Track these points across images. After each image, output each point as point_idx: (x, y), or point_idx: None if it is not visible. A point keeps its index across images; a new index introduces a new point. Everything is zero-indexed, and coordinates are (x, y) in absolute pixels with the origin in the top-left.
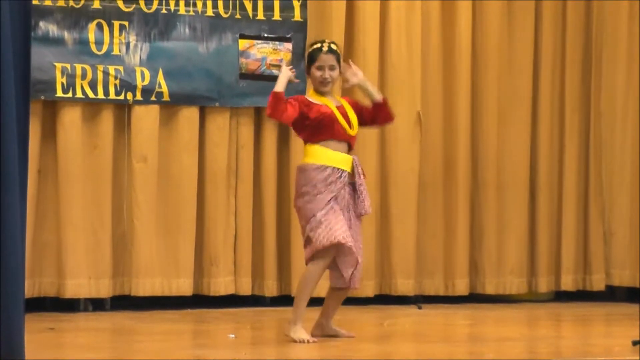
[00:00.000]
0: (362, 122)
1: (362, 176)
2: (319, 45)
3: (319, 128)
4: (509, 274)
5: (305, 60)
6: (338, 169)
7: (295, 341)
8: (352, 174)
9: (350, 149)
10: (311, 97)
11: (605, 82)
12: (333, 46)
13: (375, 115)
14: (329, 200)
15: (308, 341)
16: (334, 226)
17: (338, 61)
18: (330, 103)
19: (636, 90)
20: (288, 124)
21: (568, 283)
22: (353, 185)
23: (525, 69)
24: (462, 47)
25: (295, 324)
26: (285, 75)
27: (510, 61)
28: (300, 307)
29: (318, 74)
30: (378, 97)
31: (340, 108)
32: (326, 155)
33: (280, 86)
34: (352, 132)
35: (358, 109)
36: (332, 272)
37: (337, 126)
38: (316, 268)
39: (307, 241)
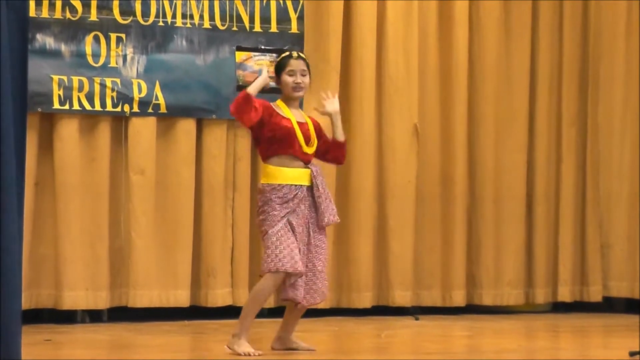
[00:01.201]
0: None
1: (320, 188)
2: (287, 53)
3: (275, 142)
4: (506, 286)
5: (274, 71)
6: (295, 185)
7: (239, 355)
8: (311, 187)
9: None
10: (278, 106)
11: (602, 95)
12: (302, 54)
13: (330, 150)
14: (283, 217)
15: (253, 354)
16: (282, 251)
17: (308, 68)
18: (294, 118)
19: (635, 103)
20: (246, 126)
21: (565, 294)
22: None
23: (522, 82)
24: (459, 60)
25: (240, 337)
26: (263, 79)
27: (507, 74)
28: (247, 320)
29: (290, 79)
30: (342, 136)
31: (303, 125)
32: (281, 174)
33: (253, 89)
34: (309, 151)
35: (318, 132)
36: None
37: (295, 143)
38: (267, 284)
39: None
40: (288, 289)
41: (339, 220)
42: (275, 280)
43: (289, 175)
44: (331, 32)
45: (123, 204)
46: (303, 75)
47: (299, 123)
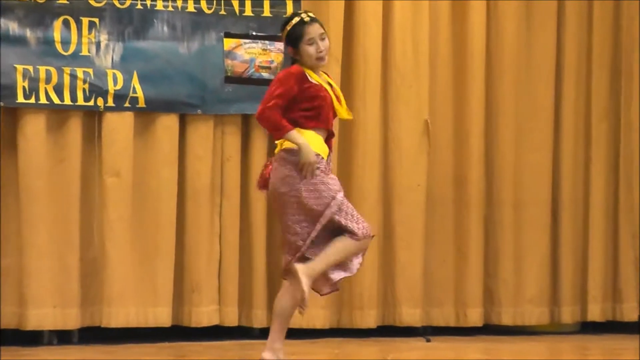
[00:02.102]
0: None
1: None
2: (297, 18)
3: (315, 115)
4: (528, 303)
5: (286, 41)
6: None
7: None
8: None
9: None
10: (309, 74)
11: (636, 87)
12: (311, 14)
13: None
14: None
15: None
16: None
17: (323, 28)
18: (326, 84)
19: None
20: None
21: (596, 313)
22: None
23: (546, 74)
24: (474, 49)
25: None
26: (310, 159)
27: (529, 65)
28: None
29: (312, 49)
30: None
31: (332, 89)
32: (321, 145)
33: (296, 139)
34: (345, 115)
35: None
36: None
37: (331, 114)
38: (358, 245)
39: (343, 227)
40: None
41: None
42: (366, 245)
43: (324, 149)
44: (331, 17)
45: (96, 210)
46: (322, 40)
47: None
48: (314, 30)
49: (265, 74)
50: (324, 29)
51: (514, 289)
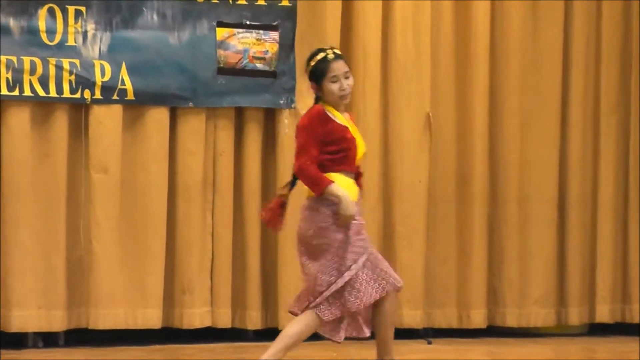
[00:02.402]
0: None
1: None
2: (322, 54)
3: (342, 158)
4: (533, 304)
5: (309, 76)
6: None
7: None
8: None
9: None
10: (331, 112)
11: None
12: (337, 51)
13: None
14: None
15: None
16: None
17: (348, 65)
18: (350, 125)
19: None
20: None
21: (604, 314)
22: None
23: (553, 64)
24: (478, 41)
25: None
26: (351, 212)
27: (535, 56)
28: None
29: (335, 87)
30: None
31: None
32: (353, 189)
33: (336, 192)
34: (360, 158)
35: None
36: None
37: (355, 155)
38: None
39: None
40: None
41: None
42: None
43: (354, 190)
44: (328, 6)
45: (83, 208)
46: (347, 78)
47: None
48: (338, 67)
49: (259, 65)
50: (349, 67)
51: (519, 290)
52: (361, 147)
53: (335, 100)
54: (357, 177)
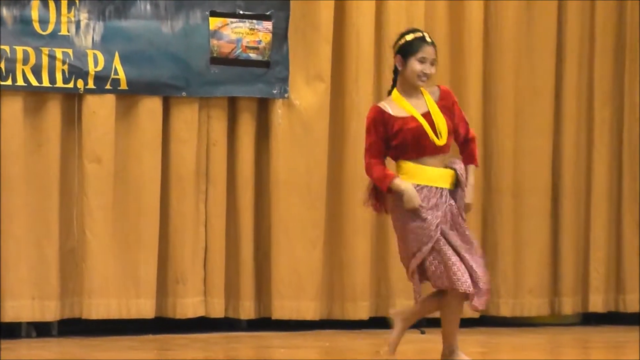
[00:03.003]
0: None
1: (465, 187)
2: (420, 34)
3: (404, 148)
4: (527, 294)
5: (398, 49)
6: (437, 187)
7: None
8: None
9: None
10: (393, 102)
11: None
12: (431, 38)
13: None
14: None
15: None
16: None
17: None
18: (415, 111)
19: None
20: None
21: (598, 304)
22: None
23: (547, 55)
24: (472, 30)
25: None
26: (414, 204)
27: (529, 46)
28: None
29: (419, 67)
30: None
31: (427, 115)
32: (426, 176)
33: (399, 186)
34: (441, 143)
35: (449, 112)
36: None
37: (426, 141)
38: None
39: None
40: None
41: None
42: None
43: (430, 175)
44: None
45: (76, 198)
46: (432, 65)
47: (424, 114)
48: (429, 51)
49: (252, 55)
50: (437, 58)
51: (513, 280)
52: (441, 125)
53: (412, 80)
54: (464, 148)
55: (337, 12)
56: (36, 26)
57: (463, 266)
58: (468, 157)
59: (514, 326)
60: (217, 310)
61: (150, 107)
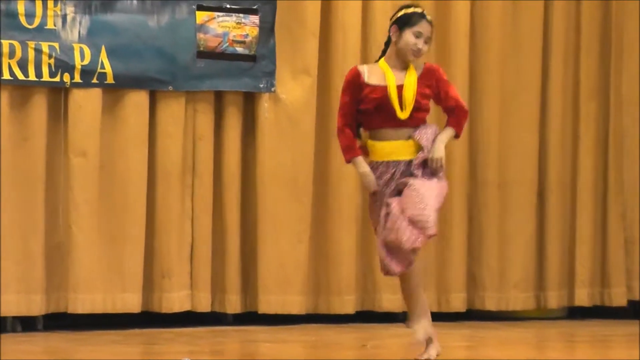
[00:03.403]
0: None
1: (426, 151)
2: (420, 10)
3: (368, 115)
4: (513, 288)
5: (395, 21)
6: (394, 161)
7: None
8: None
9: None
10: (376, 68)
11: (627, 64)
12: (431, 19)
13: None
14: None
15: None
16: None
17: (432, 38)
18: (392, 82)
19: None
20: None
21: (583, 298)
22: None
23: (533, 48)
24: (458, 24)
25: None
26: (370, 188)
27: (515, 40)
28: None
29: (413, 40)
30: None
31: (400, 88)
32: (379, 149)
33: (357, 168)
34: (403, 116)
35: (431, 88)
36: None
37: (388, 112)
38: None
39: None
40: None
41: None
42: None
43: (387, 150)
44: None
45: (62, 192)
46: (426, 43)
47: (398, 86)
48: (426, 28)
49: (239, 49)
50: (432, 37)
51: (498, 273)
52: (409, 99)
53: (404, 51)
54: (449, 117)
55: (324, 6)
56: (22, 20)
57: (405, 223)
58: (449, 123)
59: (500, 320)
60: (203, 305)
61: (137, 101)
